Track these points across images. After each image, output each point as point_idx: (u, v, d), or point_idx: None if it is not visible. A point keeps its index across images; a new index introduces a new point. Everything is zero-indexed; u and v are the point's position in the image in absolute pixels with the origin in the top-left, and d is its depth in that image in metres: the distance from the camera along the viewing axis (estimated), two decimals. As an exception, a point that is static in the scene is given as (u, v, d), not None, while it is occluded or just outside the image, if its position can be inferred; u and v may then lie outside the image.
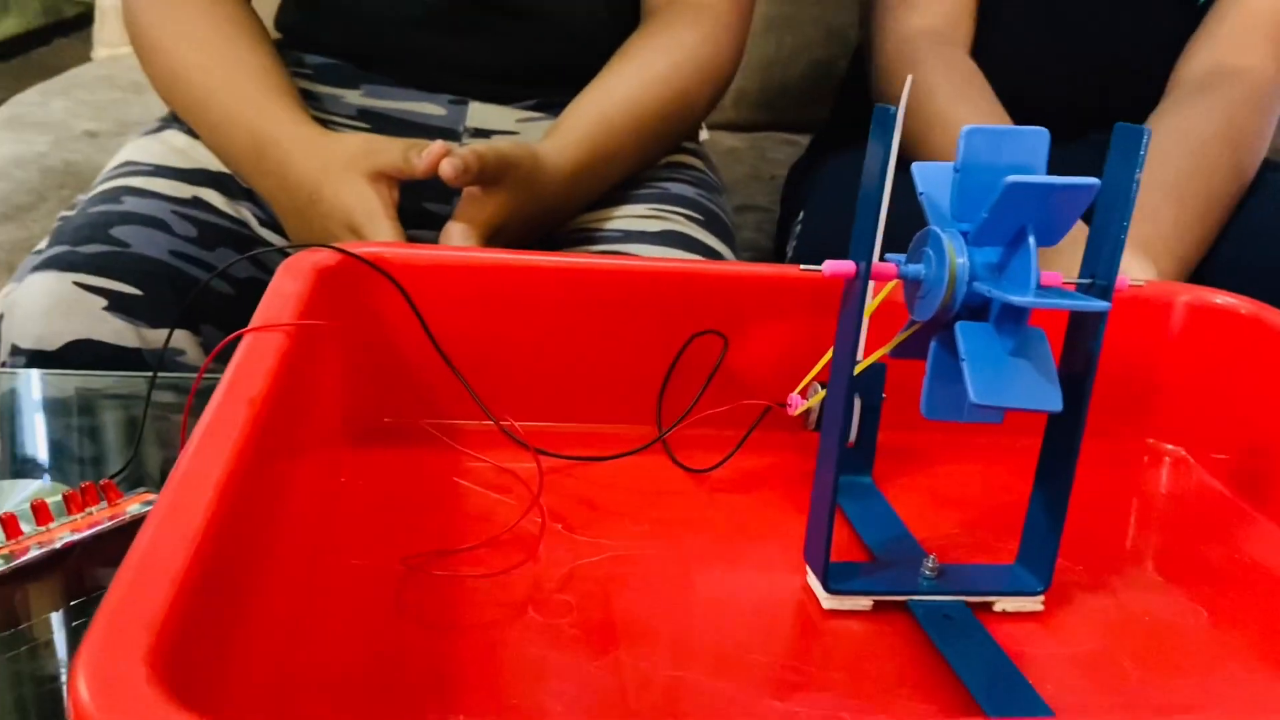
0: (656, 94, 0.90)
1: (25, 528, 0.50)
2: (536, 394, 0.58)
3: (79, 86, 1.44)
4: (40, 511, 0.51)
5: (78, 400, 0.69)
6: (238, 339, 0.45)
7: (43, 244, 0.80)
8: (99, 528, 0.51)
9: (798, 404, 0.51)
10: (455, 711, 0.39)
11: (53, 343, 0.72)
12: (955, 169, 0.42)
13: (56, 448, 0.63)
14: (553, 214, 0.85)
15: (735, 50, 0.96)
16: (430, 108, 0.96)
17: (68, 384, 0.70)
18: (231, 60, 0.86)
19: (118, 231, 0.76)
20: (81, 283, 0.73)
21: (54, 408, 0.69)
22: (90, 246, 0.74)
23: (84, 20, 1.94)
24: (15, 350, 0.74)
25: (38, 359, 0.72)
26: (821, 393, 0.50)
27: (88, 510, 0.52)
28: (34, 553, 0.49)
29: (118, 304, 0.73)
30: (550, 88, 0.96)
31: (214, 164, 0.86)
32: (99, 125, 1.28)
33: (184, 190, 0.82)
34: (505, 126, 0.96)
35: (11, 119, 1.29)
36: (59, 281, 0.73)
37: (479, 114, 0.96)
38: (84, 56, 1.66)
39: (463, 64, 0.96)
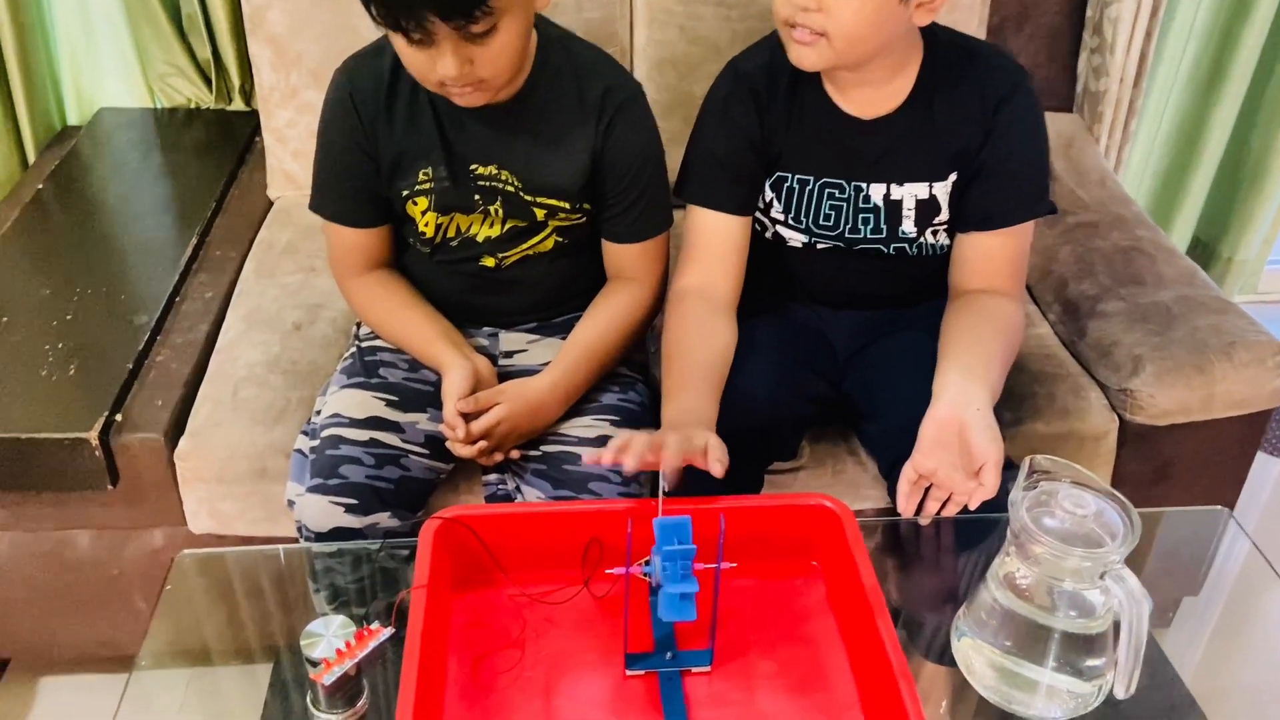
0: (604, 335, 1.66)
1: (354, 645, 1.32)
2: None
3: (280, 268, 2.23)
4: (361, 637, 1.32)
5: (342, 560, 1.52)
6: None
7: (303, 444, 1.65)
8: (368, 648, 1.32)
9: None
10: None
11: (323, 527, 1.56)
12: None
13: (336, 586, 1.47)
14: (541, 409, 1.61)
15: (655, 303, 1.72)
16: (479, 339, 1.75)
17: (332, 549, 1.54)
18: (415, 317, 1.69)
19: (342, 469, 1.57)
20: (330, 499, 1.55)
21: (327, 566, 1.52)
22: (332, 480, 1.56)
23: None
24: (301, 530, 1.58)
25: (315, 538, 1.56)
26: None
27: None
28: (360, 656, 1.31)
29: (349, 509, 1.55)
30: (543, 319, 1.76)
31: (385, 413, 1.63)
32: (299, 315, 2.09)
33: (365, 435, 1.61)
34: (520, 346, 1.75)
35: (250, 315, 2.11)
36: (320, 500, 1.55)
37: (506, 340, 1.75)
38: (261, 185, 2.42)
39: (493, 311, 1.76)
